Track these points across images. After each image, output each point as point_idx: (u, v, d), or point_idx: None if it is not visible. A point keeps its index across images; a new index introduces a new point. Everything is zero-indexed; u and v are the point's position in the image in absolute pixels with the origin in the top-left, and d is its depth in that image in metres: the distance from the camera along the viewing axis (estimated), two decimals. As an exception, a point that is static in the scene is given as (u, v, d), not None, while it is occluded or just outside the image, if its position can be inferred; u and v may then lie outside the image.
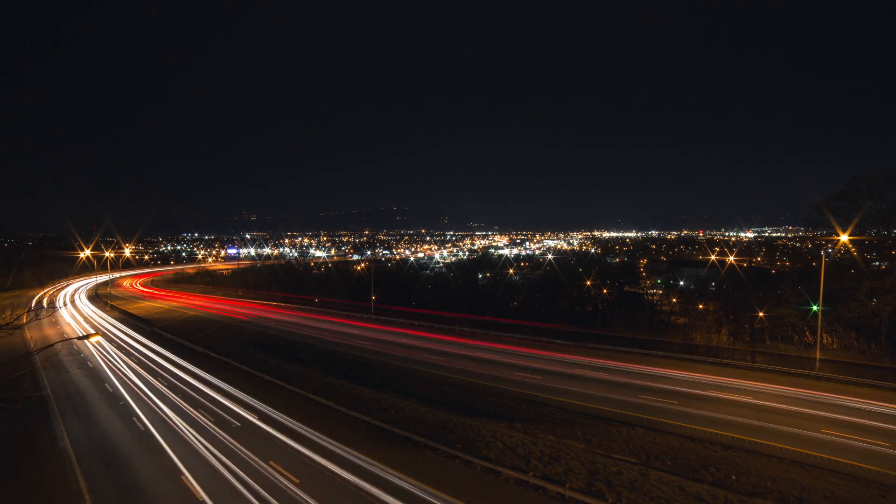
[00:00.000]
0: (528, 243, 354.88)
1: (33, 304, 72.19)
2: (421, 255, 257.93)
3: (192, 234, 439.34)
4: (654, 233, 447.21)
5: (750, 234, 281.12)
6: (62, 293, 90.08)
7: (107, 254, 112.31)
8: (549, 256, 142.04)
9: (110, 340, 46.47)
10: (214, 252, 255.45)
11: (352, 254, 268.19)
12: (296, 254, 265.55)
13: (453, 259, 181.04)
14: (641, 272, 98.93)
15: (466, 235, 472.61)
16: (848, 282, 40.57)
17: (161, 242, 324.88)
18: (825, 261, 41.07)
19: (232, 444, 22.07)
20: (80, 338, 23.59)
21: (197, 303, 78.10)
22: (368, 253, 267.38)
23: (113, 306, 70.32)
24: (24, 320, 55.04)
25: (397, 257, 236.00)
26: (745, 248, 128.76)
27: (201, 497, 17.57)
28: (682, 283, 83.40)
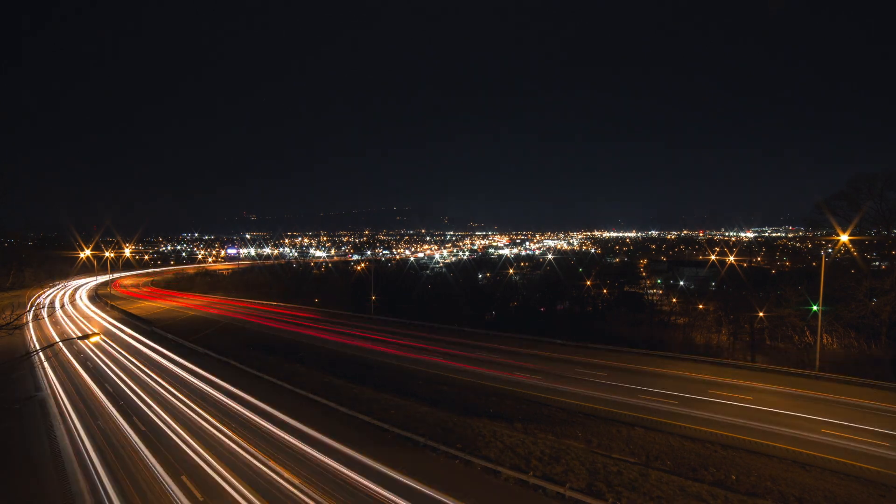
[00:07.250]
0: (528, 243, 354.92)
1: (34, 304, 72.19)
2: (421, 255, 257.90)
3: (192, 234, 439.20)
4: (654, 233, 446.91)
5: (750, 234, 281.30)
6: (62, 293, 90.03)
7: (107, 254, 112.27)
8: (549, 256, 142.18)
9: (111, 340, 46.49)
10: (214, 252, 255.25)
11: (352, 254, 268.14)
12: (296, 254, 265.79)
13: (453, 259, 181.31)
14: (641, 272, 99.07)
15: (466, 235, 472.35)
16: (848, 282, 40.56)
17: (161, 242, 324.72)
18: (825, 261, 41.02)
19: (232, 443, 22.11)
20: (80, 337, 23.63)
21: (197, 303, 78.06)
22: (368, 253, 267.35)
23: (113, 306, 70.31)
24: (25, 320, 55.27)
25: (397, 257, 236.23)
26: (745, 248, 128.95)
27: (201, 497, 17.60)
28: (682, 283, 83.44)
